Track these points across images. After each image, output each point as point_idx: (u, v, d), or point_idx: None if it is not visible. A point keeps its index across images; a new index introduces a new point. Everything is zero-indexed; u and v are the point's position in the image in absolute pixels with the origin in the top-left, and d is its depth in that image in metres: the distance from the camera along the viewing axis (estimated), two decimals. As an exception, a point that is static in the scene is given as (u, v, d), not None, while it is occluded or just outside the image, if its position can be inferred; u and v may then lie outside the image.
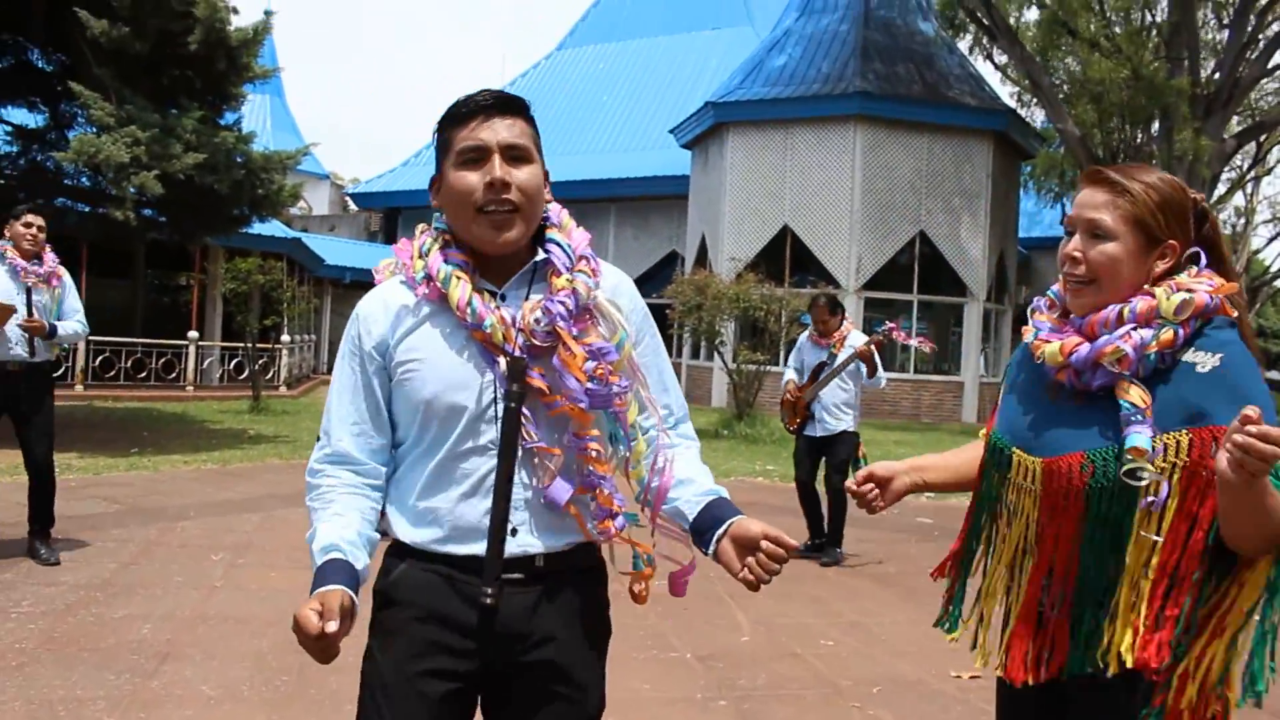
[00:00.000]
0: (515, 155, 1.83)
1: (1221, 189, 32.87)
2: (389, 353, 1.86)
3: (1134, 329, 1.77)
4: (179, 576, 5.96)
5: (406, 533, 1.87)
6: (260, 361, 18.80)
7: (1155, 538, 1.70)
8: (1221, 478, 1.53)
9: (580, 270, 1.87)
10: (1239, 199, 39.13)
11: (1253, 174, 36.75)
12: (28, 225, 6.11)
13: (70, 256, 17.95)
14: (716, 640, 5.20)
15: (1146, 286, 1.83)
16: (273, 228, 19.85)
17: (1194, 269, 1.84)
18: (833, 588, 6.55)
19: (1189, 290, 1.78)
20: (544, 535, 1.84)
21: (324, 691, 4.23)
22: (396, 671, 1.83)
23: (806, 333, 7.59)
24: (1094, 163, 23.20)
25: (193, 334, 19.81)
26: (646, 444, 1.95)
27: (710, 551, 1.86)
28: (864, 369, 7.19)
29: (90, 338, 17.73)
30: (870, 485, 2.10)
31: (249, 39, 12.21)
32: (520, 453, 1.82)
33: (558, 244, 1.89)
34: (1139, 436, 1.70)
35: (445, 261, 1.85)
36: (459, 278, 1.82)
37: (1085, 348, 1.80)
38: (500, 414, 1.81)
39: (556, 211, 1.96)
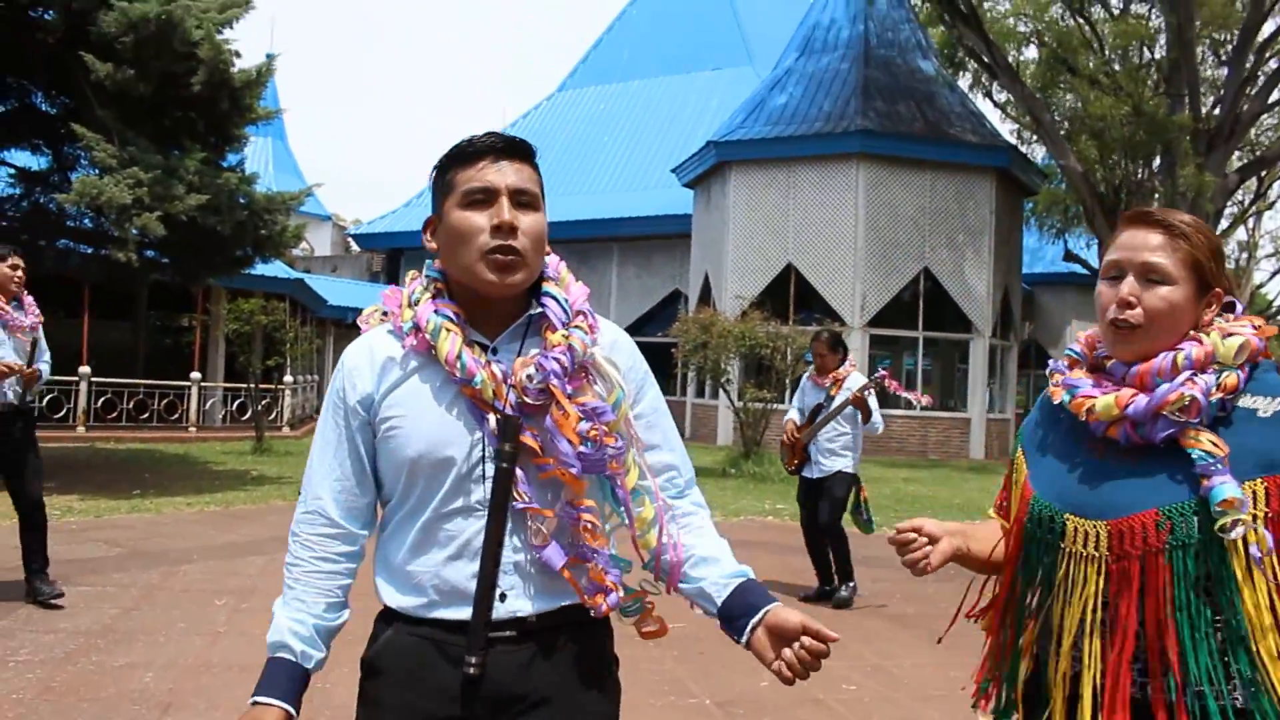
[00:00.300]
0: (523, 201, 1.77)
1: (1224, 224, 32.87)
2: (374, 408, 1.78)
3: (1194, 375, 1.68)
4: (182, 622, 5.82)
5: (393, 598, 1.79)
6: (263, 402, 18.68)
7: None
8: None
9: (577, 326, 1.79)
10: (1241, 234, 39.21)
11: (1254, 209, 36.80)
12: (14, 268, 6.08)
13: (72, 298, 17.99)
14: (735, 685, 5.05)
15: (1193, 333, 1.75)
16: (275, 269, 19.82)
17: (1229, 315, 1.78)
18: (851, 629, 6.39)
19: (1237, 334, 1.71)
20: (536, 599, 1.75)
21: (332, 742, 4.09)
22: None
23: (808, 372, 7.55)
24: (1097, 198, 23.37)
25: (195, 375, 19.71)
26: (652, 509, 1.83)
27: (743, 641, 1.75)
28: (858, 415, 7.17)
29: (92, 379, 17.68)
30: (924, 540, 1.84)
31: (252, 80, 12.20)
32: (510, 514, 1.72)
33: (554, 297, 1.82)
34: (1227, 487, 1.58)
35: (435, 312, 1.76)
36: (449, 330, 1.74)
37: (1143, 399, 1.69)
38: (488, 473, 1.72)
39: (554, 264, 1.89)
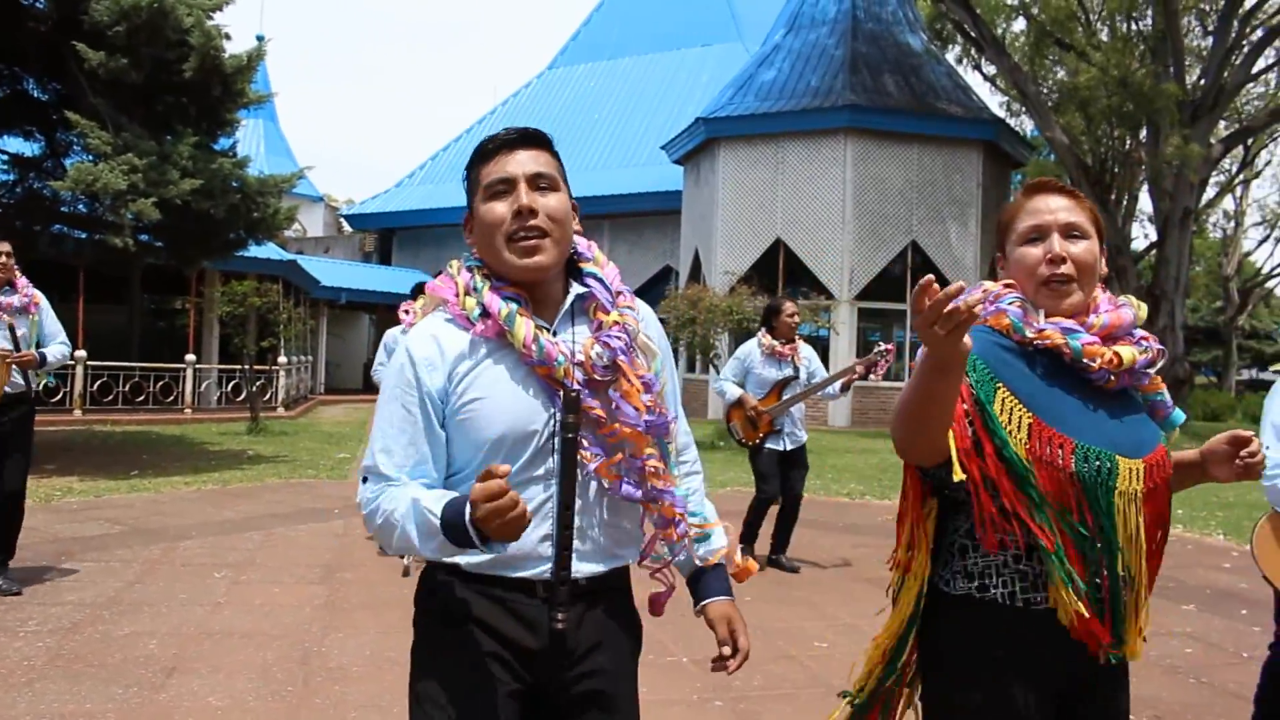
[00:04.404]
0: (542, 185, 1.91)
1: (1210, 193, 33.06)
2: (449, 395, 1.89)
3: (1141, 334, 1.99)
4: (183, 594, 6.05)
5: (461, 558, 1.88)
6: (258, 383, 18.89)
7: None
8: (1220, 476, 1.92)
9: (625, 306, 1.97)
10: (1229, 203, 39.40)
11: (1241, 178, 36.98)
12: None
13: (67, 282, 18.14)
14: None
15: (1110, 296, 2.02)
16: (268, 250, 19.98)
17: None
18: (827, 592, 6.65)
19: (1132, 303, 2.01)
20: (589, 561, 1.92)
21: (328, 700, 4.32)
22: (457, 686, 1.88)
23: (758, 344, 7.26)
24: (1083, 170, 23.56)
25: (190, 357, 19.92)
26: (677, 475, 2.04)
27: (696, 614, 2.09)
28: (837, 385, 7.00)
29: (88, 362, 17.86)
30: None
31: (243, 65, 12.34)
32: (580, 477, 1.89)
33: (597, 279, 1.98)
34: (1179, 412, 1.99)
35: (504, 298, 1.89)
36: (521, 315, 1.87)
37: (1142, 356, 1.95)
38: (557, 445, 1.87)
39: (586, 245, 2.04)
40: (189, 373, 19.71)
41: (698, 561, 2.07)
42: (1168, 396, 1.98)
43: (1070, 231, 1.95)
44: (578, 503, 1.89)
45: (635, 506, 1.96)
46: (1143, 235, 34.70)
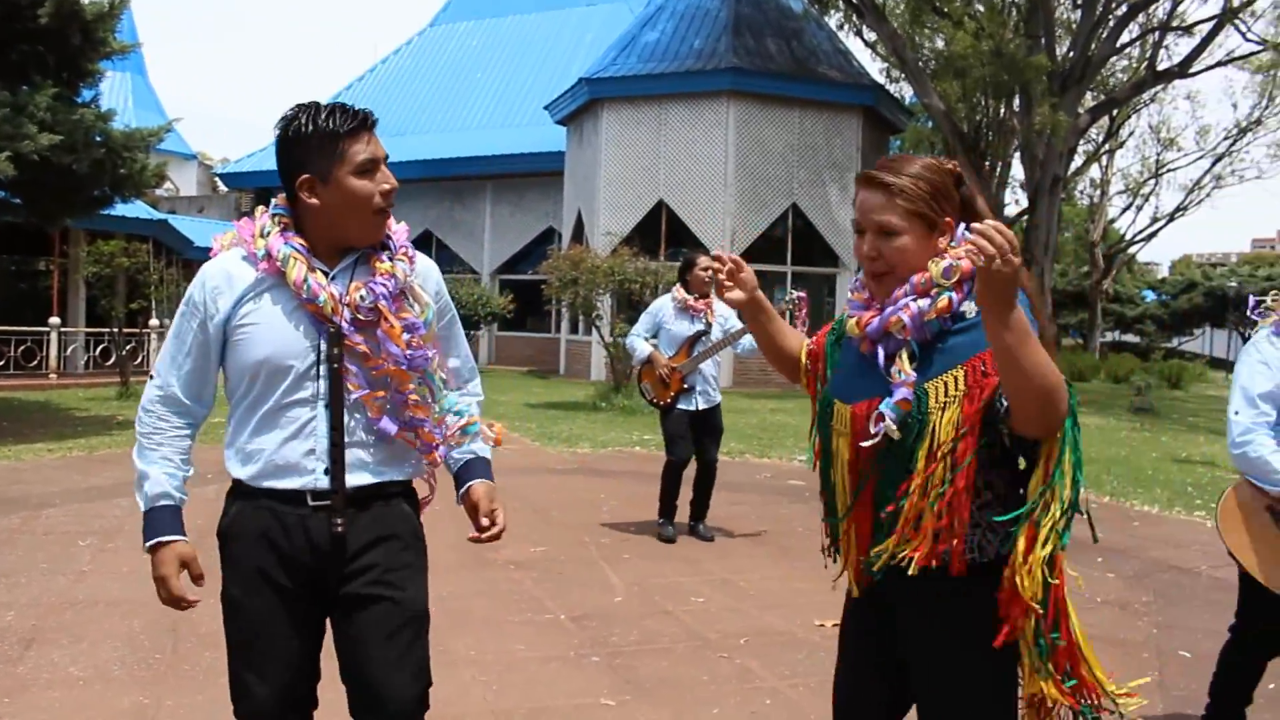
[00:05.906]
0: (388, 165, 2.24)
1: (1078, 161, 34.22)
2: (229, 320, 2.21)
3: (913, 300, 2.03)
4: (44, 563, 5.85)
5: (238, 470, 2.26)
6: (128, 347, 18.24)
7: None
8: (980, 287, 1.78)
9: (399, 258, 2.25)
10: (1095, 171, 40.84)
11: (1107, 147, 38.35)
12: None
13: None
14: (590, 602, 5.34)
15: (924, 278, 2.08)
16: (137, 209, 19.23)
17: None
18: (706, 549, 6.74)
19: (957, 257, 2.03)
20: (358, 472, 2.22)
21: (198, 667, 4.24)
22: (245, 593, 2.23)
23: (671, 298, 7.00)
24: (959, 137, 24.14)
25: (54, 320, 19.11)
26: (447, 398, 2.42)
27: (458, 502, 2.43)
28: (750, 338, 6.57)
29: (-58, 326, 16.99)
30: (730, 270, 2.36)
31: (104, 13, 11.80)
32: (345, 404, 2.20)
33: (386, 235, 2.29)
34: (888, 405, 2.01)
35: (285, 244, 2.19)
36: (296, 258, 2.17)
37: (876, 320, 2.07)
38: (322, 374, 2.19)
39: None
40: (53, 336, 18.92)
41: (465, 456, 2.43)
42: (899, 374, 2.02)
43: (883, 229, 2.07)
44: (349, 423, 2.20)
45: (418, 421, 2.27)
46: (1014, 202, 35.73)
